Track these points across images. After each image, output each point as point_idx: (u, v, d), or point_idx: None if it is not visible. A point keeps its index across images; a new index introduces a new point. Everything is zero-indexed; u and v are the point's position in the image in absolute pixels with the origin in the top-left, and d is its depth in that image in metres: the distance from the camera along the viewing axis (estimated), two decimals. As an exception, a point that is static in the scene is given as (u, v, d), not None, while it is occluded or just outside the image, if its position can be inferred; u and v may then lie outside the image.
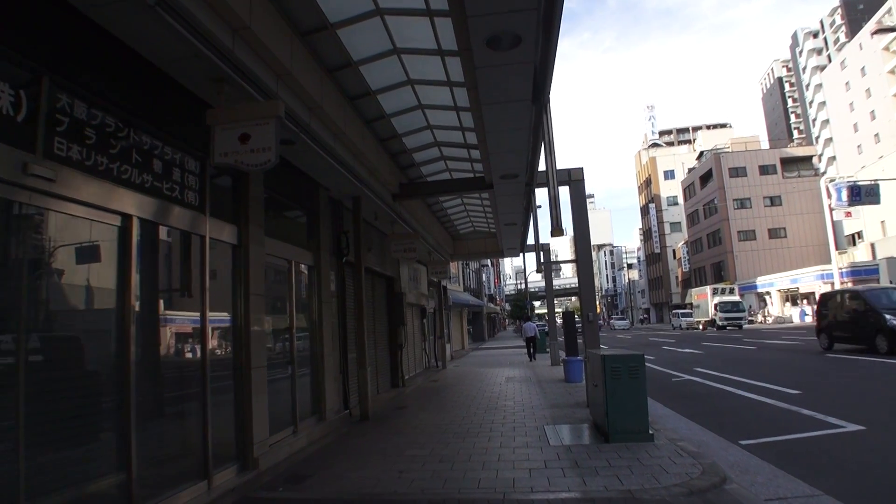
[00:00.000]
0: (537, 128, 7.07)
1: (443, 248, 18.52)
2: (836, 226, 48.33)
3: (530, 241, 20.18)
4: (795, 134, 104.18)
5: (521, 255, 21.57)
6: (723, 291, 46.64)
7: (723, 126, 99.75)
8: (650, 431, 6.89)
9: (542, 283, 20.45)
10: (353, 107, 8.10)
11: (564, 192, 10.49)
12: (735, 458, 6.15)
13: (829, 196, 43.87)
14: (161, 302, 5.36)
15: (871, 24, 63.75)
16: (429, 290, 21.47)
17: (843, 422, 7.42)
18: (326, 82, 6.95)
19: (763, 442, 6.78)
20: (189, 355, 5.77)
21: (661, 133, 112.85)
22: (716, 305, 43.62)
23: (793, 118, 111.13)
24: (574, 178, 10.37)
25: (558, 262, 19.21)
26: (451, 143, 10.48)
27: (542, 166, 9.26)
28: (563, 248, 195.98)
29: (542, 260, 14.20)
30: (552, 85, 6.34)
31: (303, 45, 6.25)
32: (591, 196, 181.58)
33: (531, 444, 7.14)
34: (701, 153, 70.48)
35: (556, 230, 6.22)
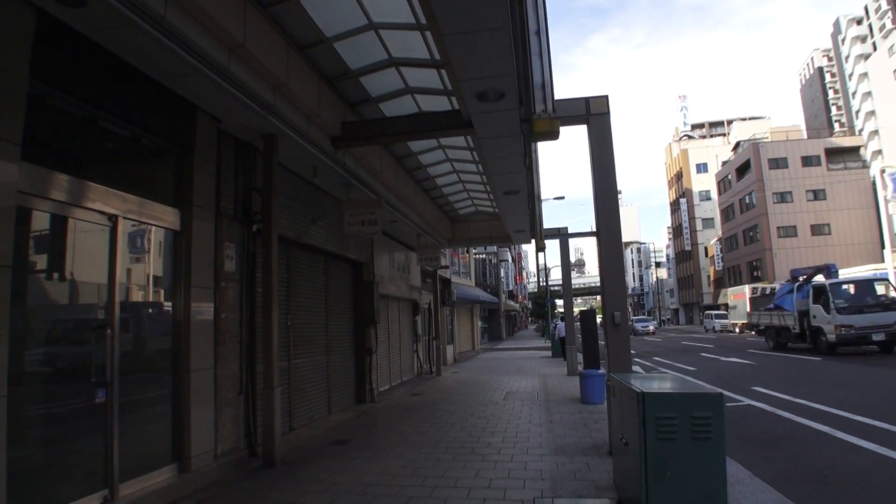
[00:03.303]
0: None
1: (437, 232, 15.21)
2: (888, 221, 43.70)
3: (547, 224, 16.75)
4: (837, 127, 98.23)
5: (533, 241, 18.11)
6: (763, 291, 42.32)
7: (760, 119, 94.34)
8: (733, 546, 3.53)
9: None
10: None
11: (580, 133, 7.18)
12: None
13: (885, 187, 39.64)
14: None
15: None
16: (424, 282, 18.21)
17: None
18: None
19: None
20: None
21: (694, 126, 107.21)
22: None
23: (833, 110, 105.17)
24: (594, 112, 7.02)
25: (571, 236, 14.19)
26: (415, 62, 7.18)
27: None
28: (588, 247, 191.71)
29: (540, 234, 10.46)
30: None
31: None
32: (619, 192, 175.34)
33: (502, 551, 3.84)
34: (737, 143, 65.75)
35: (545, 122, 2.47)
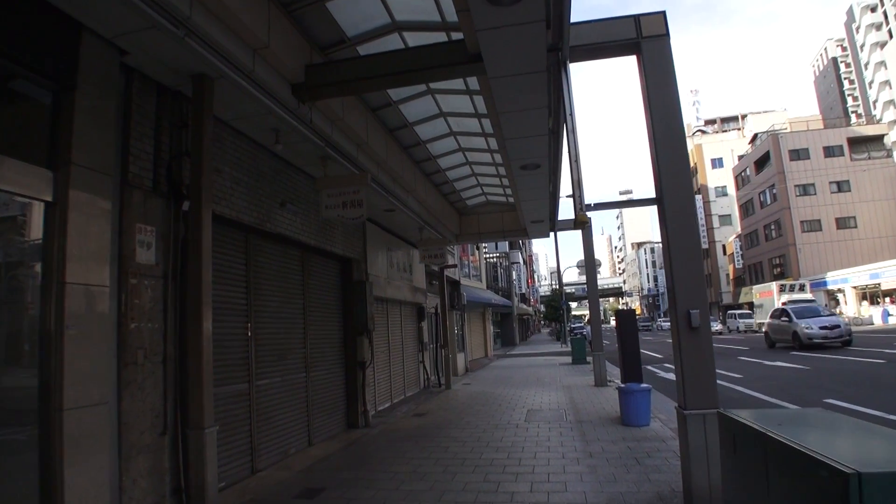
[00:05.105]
0: None
1: (442, 225, 13.31)
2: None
3: (563, 214, 14.82)
4: (853, 118, 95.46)
5: (552, 234, 16.19)
6: (791, 289, 40.10)
7: (775, 112, 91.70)
8: None
9: (579, 283, 15.21)
10: None
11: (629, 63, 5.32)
12: None
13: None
14: None
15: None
16: (429, 284, 16.31)
17: None
18: None
19: None
20: None
21: (706, 122, 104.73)
22: (784, 305, 37.20)
23: (850, 101, 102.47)
24: (648, 34, 5.14)
25: (620, 206, 11.15)
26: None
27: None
28: (599, 246, 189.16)
29: (581, 206, 8.33)
30: None
31: None
32: (630, 192, 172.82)
33: None
34: (755, 136, 63.41)
35: None
